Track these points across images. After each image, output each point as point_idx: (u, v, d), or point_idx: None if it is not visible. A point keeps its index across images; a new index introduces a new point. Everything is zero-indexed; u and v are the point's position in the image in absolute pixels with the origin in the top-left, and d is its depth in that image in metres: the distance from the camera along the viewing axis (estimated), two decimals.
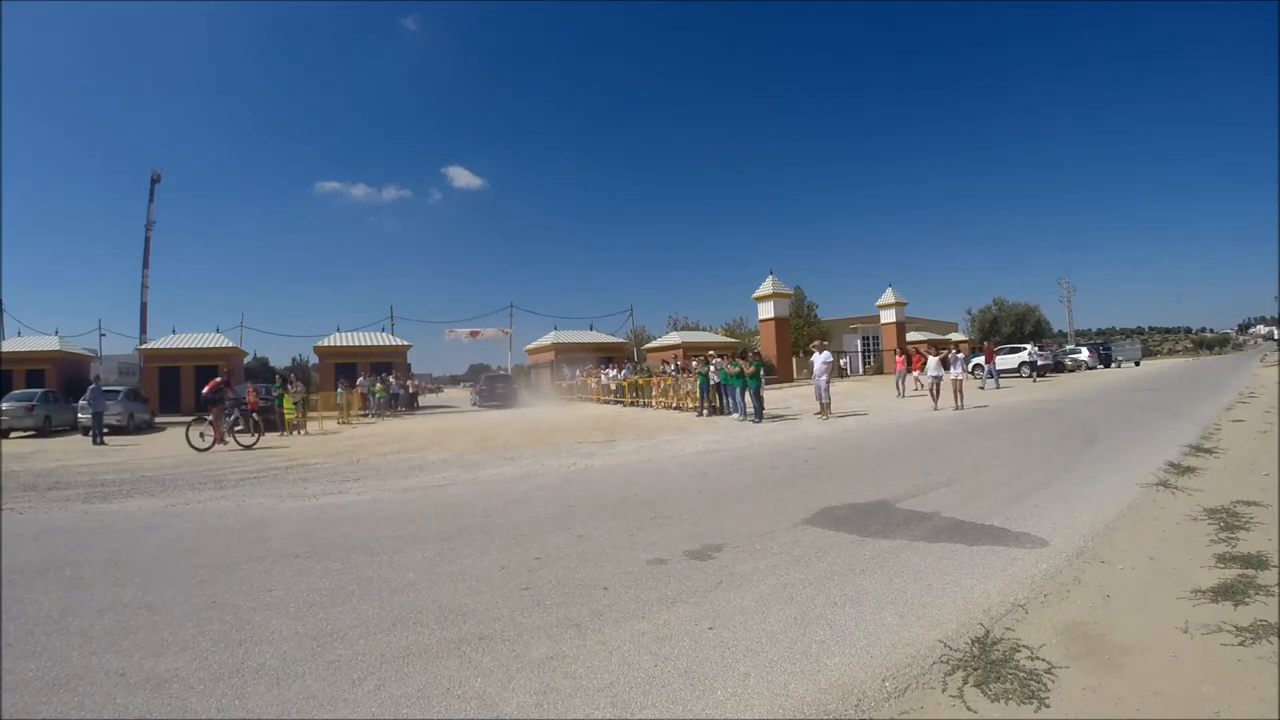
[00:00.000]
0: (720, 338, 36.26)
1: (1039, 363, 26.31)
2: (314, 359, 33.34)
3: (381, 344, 30.48)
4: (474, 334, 36.80)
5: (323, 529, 5.08)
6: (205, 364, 27.18)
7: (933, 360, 14.33)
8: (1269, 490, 4.91)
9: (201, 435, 12.25)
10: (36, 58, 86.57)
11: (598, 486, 6.64)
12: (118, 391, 19.40)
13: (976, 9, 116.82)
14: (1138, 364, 38.69)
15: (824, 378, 13.38)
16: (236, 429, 12.65)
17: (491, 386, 28.53)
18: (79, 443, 15.22)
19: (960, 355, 14.59)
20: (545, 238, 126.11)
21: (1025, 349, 28.03)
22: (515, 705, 2.21)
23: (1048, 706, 2.11)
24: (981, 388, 20.04)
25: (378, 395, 23.45)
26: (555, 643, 2.71)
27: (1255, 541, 3.68)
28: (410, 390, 27.90)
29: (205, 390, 12.81)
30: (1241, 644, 2.44)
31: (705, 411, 15.31)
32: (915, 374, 19.48)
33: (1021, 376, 25.26)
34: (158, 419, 21.62)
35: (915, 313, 41.27)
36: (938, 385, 14.04)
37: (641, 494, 6.04)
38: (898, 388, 18.63)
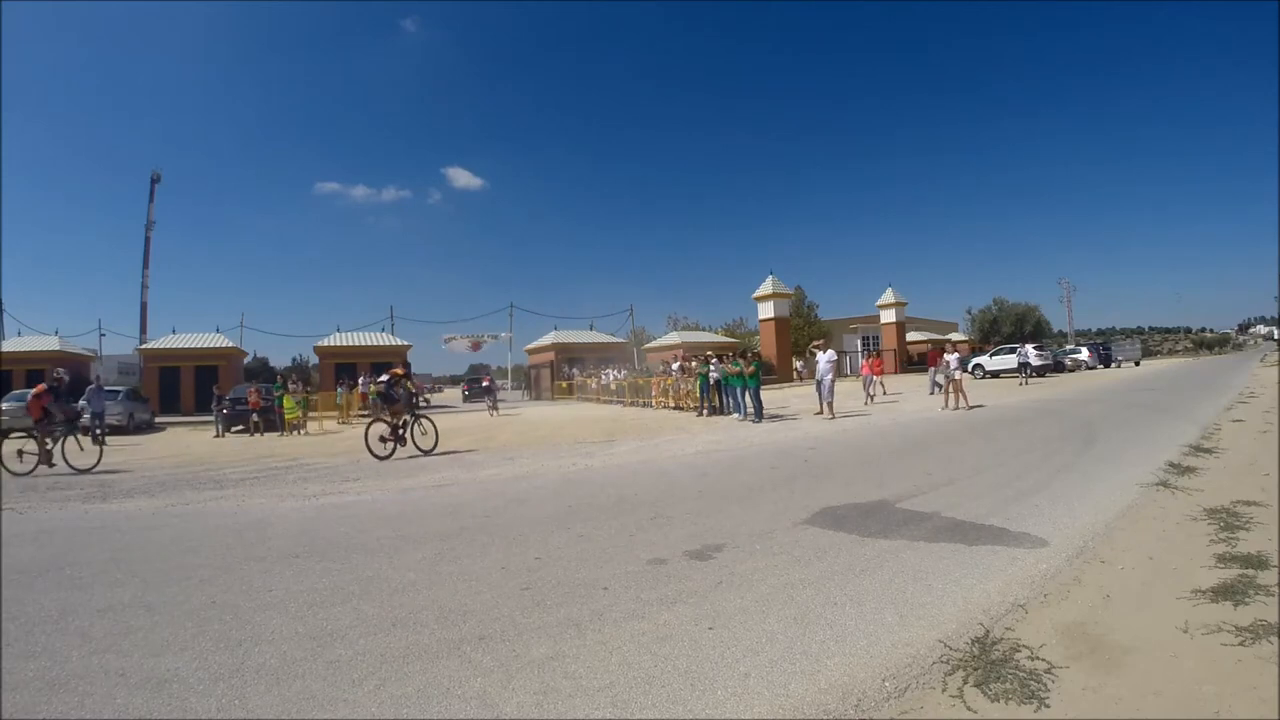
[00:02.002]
0: (720, 338, 36.26)
1: (1034, 363, 25.71)
2: (314, 359, 33.37)
3: (381, 344, 30.51)
4: (475, 346, 37.17)
5: (323, 529, 5.07)
6: (205, 364, 27.24)
7: (954, 358, 14.17)
8: (1269, 490, 4.91)
9: (491, 411, 18.97)
10: (36, 58, 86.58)
11: (598, 486, 6.64)
12: (118, 391, 19.41)
13: (976, 9, 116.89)
14: (1138, 364, 38.70)
15: (829, 377, 13.37)
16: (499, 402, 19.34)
17: (473, 387, 34.45)
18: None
19: (957, 355, 14.52)
20: (545, 238, 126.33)
21: (1017, 349, 27.09)
22: (515, 705, 2.21)
23: (1048, 706, 2.11)
24: (931, 393, 18.26)
25: (374, 395, 23.45)
26: (555, 643, 2.71)
27: (1255, 541, 3.68)
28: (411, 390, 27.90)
29: (485, 383, 21.98)
30: (1241, 644, 2.44)
31: (705, 411, 15.32)
32: (878, 378, 18.39)
33: (1020, 376, 24.80)
34: (158, 419, 21.62)
35: (915, 313, 41.32)
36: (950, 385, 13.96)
37: (641, 494, 6.04)
38: (866, 392, 17.30)
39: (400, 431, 9.96)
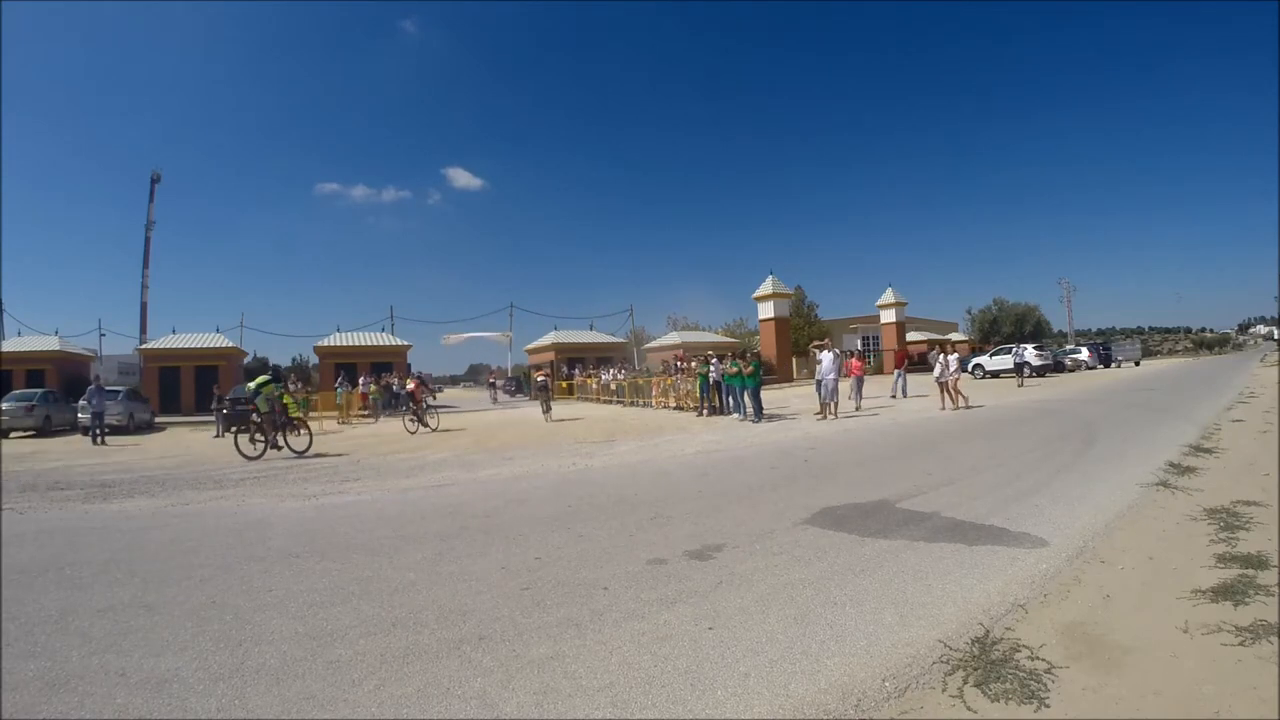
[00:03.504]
0: (720, 338, 36.26)
1: (1033, 363, 25.41)
2: (314, 359, 33.38)
3: (381, 344, 30.50)
4: (473, 335, 37.05)
5: (323, 529, 5.08)
6: (205, 364, 27.23)
7: (953, 359, 14.17)
8: (1269, 490, 4.91)
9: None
10: (36, 58, 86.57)
11: (598, 486, 6.64)
12: (118, 391, 19.40)
13: (976, 9, 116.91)
14: (1138, 364, 38.70)
15: (832, 375, 13.35)
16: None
17: (512, 382, 37.42)
18: (79, 443, 15.22)
19: (954, 355, 14.53)
20: (545, 238, 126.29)
21: (1013, 349, 26.90)
22: (515, 705, 2.21)
23: (1048, 706, 2.11)
24: (892, 397, 17.61)
25: (374, 395, 23.45)
26: (555, 643, 2.71)
27: (1255, 541, 3.68)
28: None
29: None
30: (1241, 644, 2.44)
31: (705, 411, 15.31)
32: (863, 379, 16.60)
33: (1017, 378, 24.54)
34: (158, 419, 21.62)
35: (915, 313, 41.35)
36: (948, 385, 13.97)
37: (641, 494, 6.04)
38: (853, 395, 15.74)
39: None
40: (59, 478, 8.73)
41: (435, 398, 19.61)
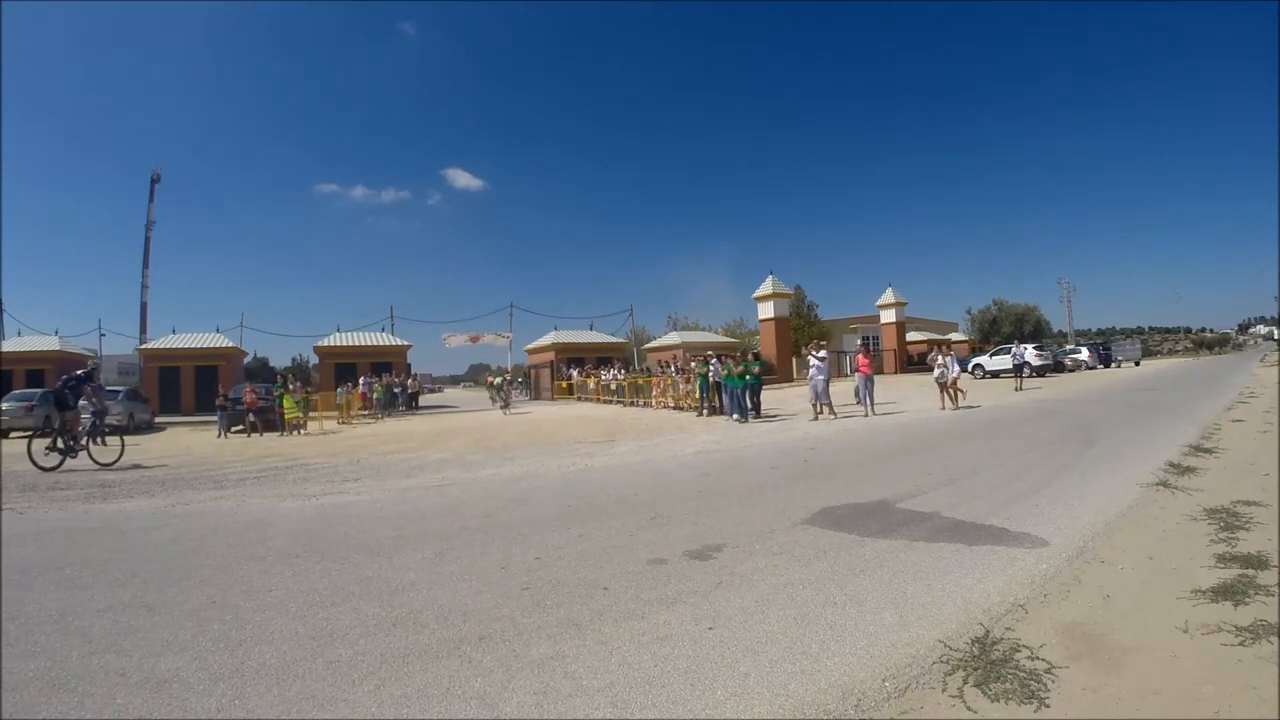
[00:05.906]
0: (720, 338, 36.24)
1: (1033, 363, 25.22)
2: (314, 359, 33.37)
3: (381, 344, 30.48)
4: (474, 339, 36.92)
5: (323, 529, 5.07)
6: (205, 364, 27.22)
7: (952, 360, 14.23)
8: (1269, 490, 4.91)
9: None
10: (36, 58, 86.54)
11: (598, 486, 6.64)
12: (118, 391, 19.39)
13: (976, 9, 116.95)
14: (1137, 364, 38.71)
15: (823, 377, 13.34)
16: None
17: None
18: None
19: (950, 356, 14.54)
20: (545, 238, 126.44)
21: (1011, 349, 26.78)
22: (515, 705, 2.21)
23: (1048, 706, 2.10)
24: (865, 410, 13.86)
25: (377, 395, 23.44)
26: (555, 643, 2.71)
27: (1255, 541, 3.68)
28: (410, 389, 27.91)
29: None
30: (1241, 644, 2.44)
31: (705, 411, 15.31)
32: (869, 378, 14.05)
33: (1016, 380, 24.15)
34: (158, 419, 21.61)
35: (915, 313, 41.31)
36: (949, 385, 13.95)
37: (641, 494, 6.04)
38: (864, 400, 13.86)
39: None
40: (59, 478, 8.73)
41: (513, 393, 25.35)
